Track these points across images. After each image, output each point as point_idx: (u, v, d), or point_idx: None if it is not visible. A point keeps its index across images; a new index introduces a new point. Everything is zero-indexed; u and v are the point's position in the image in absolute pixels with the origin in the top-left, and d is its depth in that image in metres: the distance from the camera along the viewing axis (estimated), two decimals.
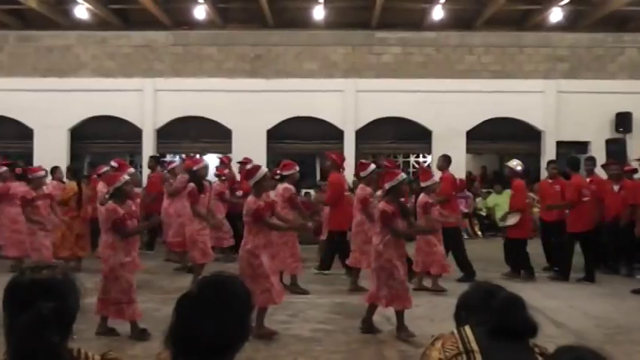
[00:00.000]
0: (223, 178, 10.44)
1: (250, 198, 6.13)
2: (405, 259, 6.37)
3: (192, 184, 8.29)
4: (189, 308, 1.73)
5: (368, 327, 6.17)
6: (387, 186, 6.12)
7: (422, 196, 8.25)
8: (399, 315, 6.00)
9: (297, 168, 8.26)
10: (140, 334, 5.84)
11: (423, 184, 8.27)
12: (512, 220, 8.83)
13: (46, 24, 15.01)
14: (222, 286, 1.79)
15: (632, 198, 8.85)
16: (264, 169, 6.37)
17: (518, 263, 8.97)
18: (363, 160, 9.21)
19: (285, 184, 8.07)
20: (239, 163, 10.74)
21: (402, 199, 6.37)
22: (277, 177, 8.34)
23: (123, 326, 6.05)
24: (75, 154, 15.03)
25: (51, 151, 14.03)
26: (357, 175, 8.88)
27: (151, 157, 12.53)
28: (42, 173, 9.05)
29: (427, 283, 8.19)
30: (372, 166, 8.40)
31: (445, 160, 9.32)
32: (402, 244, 6.15)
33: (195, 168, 8.53)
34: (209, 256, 8.25)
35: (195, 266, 8.13)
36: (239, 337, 1.76)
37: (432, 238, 8.05)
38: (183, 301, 1.76)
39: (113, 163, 9.61)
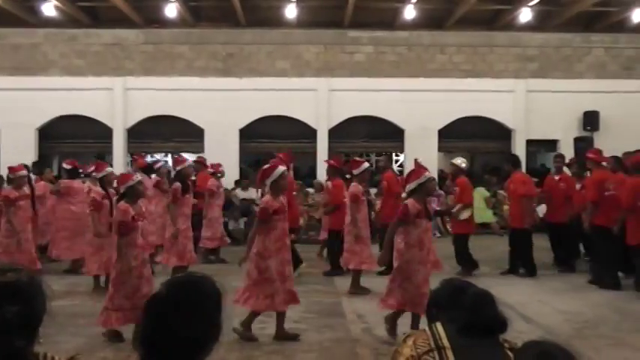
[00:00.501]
0: (219, 175, 10.45)
1: (266, 197, 5.96)
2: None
3: (177, 183, 8.17)
4: (157, 309, 1.71)
5: (392, 332, 5.91)
6: (413, 184, 5.99)
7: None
8: (416, 319, 5.72)
9: (367, 165, 8.52)
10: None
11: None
12: (466, 214, 9.01)
13: (12, 21, 14.69)
14: (192, 287, 1.77)
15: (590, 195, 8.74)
16: (282, 167, 6.05)
17: (463, 258, 9.12)
18: (357, 158, 9.29)
19: (355, 183, 8.20)
20: (194, 162, 10.68)
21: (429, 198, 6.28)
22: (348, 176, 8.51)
23: (94, 328, 5.97)
24: (43, 154, 14.75)
25: (19, 151, 13.72)
26: (349, 172, 8.85)
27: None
28: (24, 172, 8.71)
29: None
30: (366, 164, 8.45)
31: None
32: (425, 245, 5.90)
33: (179, 167, 8.40)
34: (185, 259, 8.07)
35: (174, 269, 7.96)
36: (209, 338, 1.74)
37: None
38: (151, 303, 1.73)
39: (66, 166, 9.48)
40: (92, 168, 9.28)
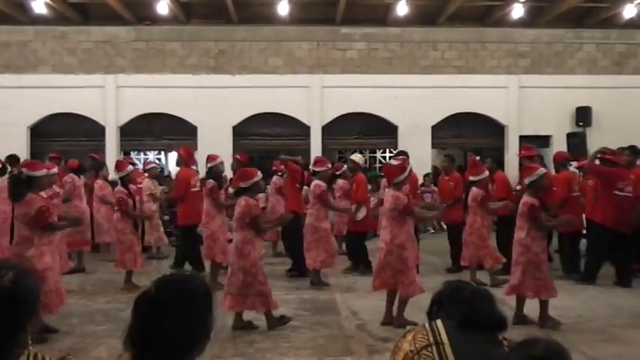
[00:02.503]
0: (280, 173, 10.43)
1: (247, 199, 6.09)
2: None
3: (211, 181, 8.16)
4: (146, 308, 1.69)
5: (521, 319, 6.21)
6: (526, 181, 6.26)
7: (474, 189, 8.16)
8: (544, 305, 6.17)
9: (330, 165, 8.62)
10: (279, 321, 6.09)
11: (473, 178, 8.23)
12: (362, 213, 9.03)
13: (2, 19, 14.57)
14: (181, 285, 1.76)
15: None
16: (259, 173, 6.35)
17: (359, 256, 9.13)
18: (319, 156, 9.40)
19: (317, 181, 8.24)
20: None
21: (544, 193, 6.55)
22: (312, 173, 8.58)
23: (88, 327, 5.94)
24: (35, 153, 14.65)
25: (10, 149, 13.48)
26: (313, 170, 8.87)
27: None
28: (55, 170, 8.37)
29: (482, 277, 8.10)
30: (328, 164, 8.63)
31: (450, 160, 9.78)
32: (546, 236, 6.40)
33: (211, 164, 8.34)
34: (227, 254, 7.98)
35: (213, 264, 8.08)
36: (199, 336, 1.73)
37: (484, 231, 8.12)
38: (140, 301, 1.72)
39: (72, 164, 9.48)
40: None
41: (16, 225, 5.80)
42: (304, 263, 8.33)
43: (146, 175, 10.97)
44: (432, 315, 2.35)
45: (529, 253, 6.09)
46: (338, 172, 9.37)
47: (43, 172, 6.03)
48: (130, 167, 8.27)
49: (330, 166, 8.88)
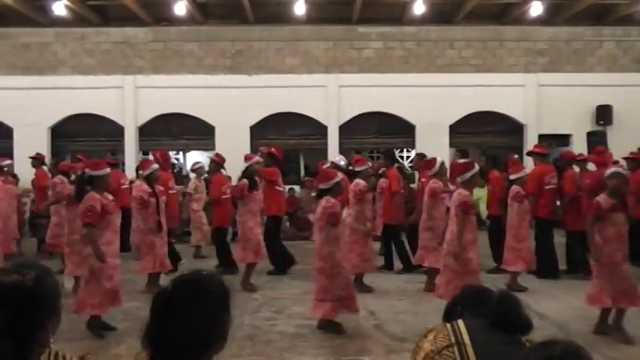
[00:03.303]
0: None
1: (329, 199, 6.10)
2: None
3: (245, 180, 8.12)
4: (163, 307, 1.70)
5: (604, 329, 5.86)
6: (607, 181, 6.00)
7: (513, 187, 8.02)
8: (620, 314, 5.75)
9: (370, 164, 8.55)
10: (336, 327, 5.97)
11: (513, 176, 8.09)
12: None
13: (23, 21, 14.79)
14: (198, 284, 1.76)
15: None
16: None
17: None
18: (429, 157, 8.88)
19: (358, 180, 8.07)
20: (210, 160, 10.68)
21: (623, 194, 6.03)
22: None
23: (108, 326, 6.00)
24: (56, 153, 14.84)
25: (31, 149, 13.69)
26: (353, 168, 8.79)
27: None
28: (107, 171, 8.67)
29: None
30: (440, 160, 8.26)
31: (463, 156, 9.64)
32: (625, 239, 5.78)
33: (247, 164, 8.36)
34: (260, 255, 8.10)
35: (248, 265, 8.02)
36: (214, 336, 1.73)
37: (521, 231, 7.95)
38: (157, 300, 1.73)
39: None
40: None
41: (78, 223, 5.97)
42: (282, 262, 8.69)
43: (193, 175, 11.10)
44: (454, 315, 2.34)
45: (601, 255, 5.66)
46: (379, 172, 9.32)
47: (105, 172, 6.07)
48: (155, 166, 8.16)
49: (370, 164, 8.72)
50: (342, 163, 9.26)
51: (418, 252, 8.15)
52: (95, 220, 5.77)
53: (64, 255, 7.92)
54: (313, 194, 8.17)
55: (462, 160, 6.77)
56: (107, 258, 5.78)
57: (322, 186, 6.12)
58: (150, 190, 7.86)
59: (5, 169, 10.37)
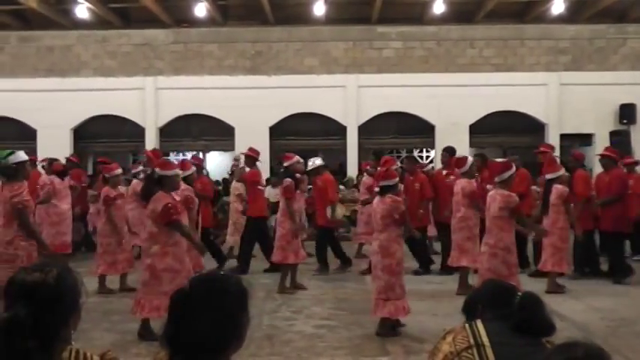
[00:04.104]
0: (370, 170, 10.13)
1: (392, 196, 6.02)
2: None
3: (288, 179, 8.06)
4: (181, 306, 1.71)
5: None
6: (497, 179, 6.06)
7: (558, 187, 7.84)
8: None
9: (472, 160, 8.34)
10: (391, 331, 5.89)
11: (550, 176, 7.94)
12: (339, 212, 8.98)
13: (46, 24, 15.03)
14: (215, 285, 1.77)
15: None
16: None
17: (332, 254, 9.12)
18: (459, 155, 8.75)
19: (466, 179, 7.92)
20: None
21: None
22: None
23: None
24: (78, 154, 15.04)
25: (54, 151, 13.96)
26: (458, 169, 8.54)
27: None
28: (119, 171, 8.47)
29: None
30: (470, 159, 8.13)
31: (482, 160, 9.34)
32: None
33: (287, 163, 8.30)
34: (301, 256, 8.03)
35: (283, 267, 7.96)
36: (231, 336, 1.74)
37: (565, 232, 7.84)
38: (175, 299, 1.74)
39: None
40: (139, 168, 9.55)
41: (146, 222, 5.95)
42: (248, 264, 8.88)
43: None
44: (474, 313, 2.31)
45: None
46: (425, 169, 9.37)
47: (174, 172, 6.08)
48: (194, 168, 8.21)
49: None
50: (318, 162, 9.12)
51: (453, 252, 8.05)
52: (179, 216, 5.78)
53: (98, 255, 7.95)
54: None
55: (472, 158, 6.77)
56: (171, 260, 5.70)
57: (385, 183, 6.00)
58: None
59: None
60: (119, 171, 8.43)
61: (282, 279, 7.84)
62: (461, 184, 7.83)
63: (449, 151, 9.50)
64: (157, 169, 6.00)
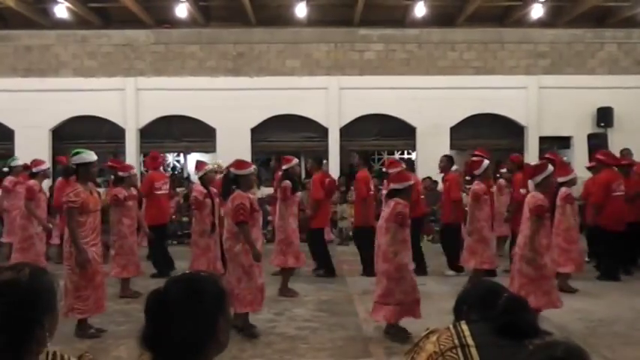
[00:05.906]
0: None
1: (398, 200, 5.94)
2: None
3: (287, 182, 8.04)
4: (155, 307, 1.69)
5: None
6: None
7: (563, 188, 7.86)
8: None
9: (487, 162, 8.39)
10: (402, 333, 5.83)
11: (562, 179, 7.81)
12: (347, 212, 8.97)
13: (24, 23, 14.82)
14: (191, 285, 1.74)
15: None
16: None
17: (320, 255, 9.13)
18: (475, 158, 8.63)
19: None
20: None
21: None
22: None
23: (103, 324, 6.00)
24: (57, 155, 14.87)
25: (32, 152, 13.75)
26: (469, 173, 8.69)
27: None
28: (134, 171, 8.35)
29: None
30: (486, 161, 8.15)
31: (448, 161, 9.45)
32: None
33: (286, 166, 8.30)
34: (301, 260, 8.00)
35: (285, 270, 7.92)
36: (207, 338, 1.70)
37: (572, 232, 7.89)
38: (149, 300, 1.72)
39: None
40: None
41: (226, 221, 6.10)
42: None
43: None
44: (460, 314, 2.32)
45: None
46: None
47: (250, 171, 6.10)
48: (209, 167, 8.15)
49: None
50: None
51: (463, 254, 8.14)
52: (247, 217, 5.82)
53: (112, 257, 7.85)
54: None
55: (475, 159, 6.85)
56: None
57: (395, 186, 5.97)
58: (205, 191, 7.87)
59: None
60: (134, 171, 8.35)
61: (283, 282, 7.84)
62: (472, 188, 8.01)
63: (449, 158, 9.64)
64: (232, 169, 6.07)
